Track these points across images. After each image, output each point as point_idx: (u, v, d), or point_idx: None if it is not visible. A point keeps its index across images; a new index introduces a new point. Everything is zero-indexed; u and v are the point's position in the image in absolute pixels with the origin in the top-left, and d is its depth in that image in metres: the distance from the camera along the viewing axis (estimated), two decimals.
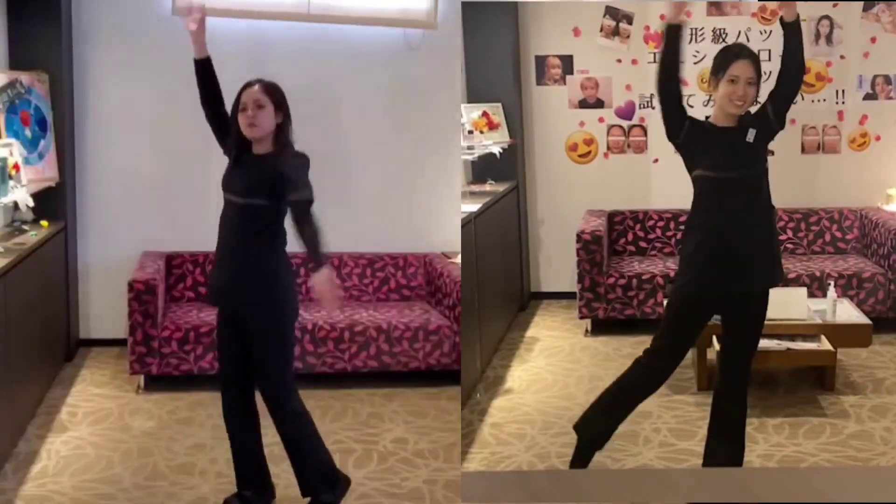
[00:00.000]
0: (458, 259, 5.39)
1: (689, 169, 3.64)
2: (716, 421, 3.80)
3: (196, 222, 5.67)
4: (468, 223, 5.00)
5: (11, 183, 4.77)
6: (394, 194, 6.24)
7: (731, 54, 3.53)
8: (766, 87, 3.61)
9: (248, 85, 3.57)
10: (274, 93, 3.57)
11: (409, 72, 6.15)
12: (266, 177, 3.48)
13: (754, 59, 3.52)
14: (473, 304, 5.05)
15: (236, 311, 3.60)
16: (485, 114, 6.27)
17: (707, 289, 3.61)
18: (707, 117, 3.68)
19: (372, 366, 5.35)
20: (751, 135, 3.52)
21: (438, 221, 6.23)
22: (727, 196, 3.55)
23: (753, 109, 3.61)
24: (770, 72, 3.73)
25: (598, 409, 3.81)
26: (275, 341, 3.60)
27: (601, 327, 5.91)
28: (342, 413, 4.92)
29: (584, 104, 6.60)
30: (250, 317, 3.57)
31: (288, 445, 3.69)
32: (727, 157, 3.54)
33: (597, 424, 3.80)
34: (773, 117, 3.57)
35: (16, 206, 5.04)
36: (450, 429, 4.72)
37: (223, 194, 3.62)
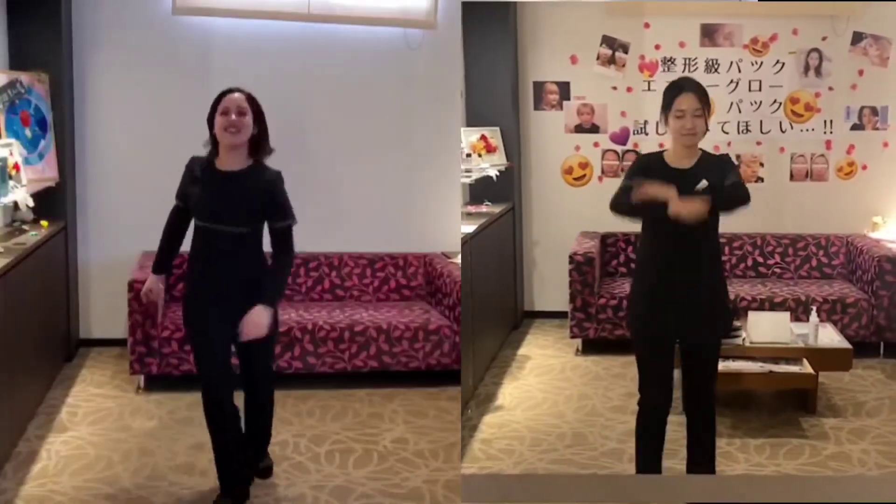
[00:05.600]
0: (458, 259, 5.39)
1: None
2: (690, 447, 3.83)
3: None
4: (465, 244, 5.04)
5: (11, 183, 4.77)
6: (394, 194, 6.23)
7: (675, 89, 3.54)
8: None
9: (228, 91, 3.54)
10: (254, 102, 3.55)
11: (409, 72, 6.15)
12: (252, 204, 3.50)
13: (698, 90, 3.52)
14: (468, 323, 5.07)
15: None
16: (483, 137, 6.35)
17: (654, 332, 3.63)
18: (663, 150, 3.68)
19: (372, 366, 5.35)
20: (702, 185, 3.48)
21: (438, 221, 6.23)
22: (673, 242, 3.53)
23: (719, 149, 3.56)
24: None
25: (639, 459, 3.81)
26: (273, 336, 3.74)
27: (592, 347, 5.95)
28: (342, 413, 4.91)
29: (579, 129, 6.72)
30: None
31: (263, 414, 3.93)
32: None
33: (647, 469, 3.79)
34: (728, 187, 3.51)
35: (16, 206, 5.04)
36: (450, 429, 4.72)
37: (199, 223, 3.57)
